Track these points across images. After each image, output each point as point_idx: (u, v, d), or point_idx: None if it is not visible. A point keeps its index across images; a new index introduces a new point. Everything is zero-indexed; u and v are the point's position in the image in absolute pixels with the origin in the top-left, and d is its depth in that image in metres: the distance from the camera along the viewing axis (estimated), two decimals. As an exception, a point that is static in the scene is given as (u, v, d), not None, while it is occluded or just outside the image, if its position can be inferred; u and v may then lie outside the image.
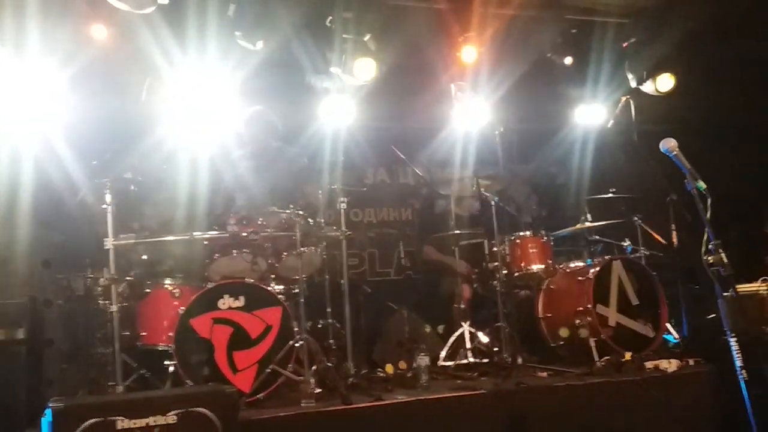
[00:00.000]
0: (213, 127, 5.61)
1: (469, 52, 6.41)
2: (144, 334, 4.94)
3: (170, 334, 4.69)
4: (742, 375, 3.49)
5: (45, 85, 5.13)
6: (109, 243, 4.68)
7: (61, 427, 3.53)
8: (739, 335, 3.57)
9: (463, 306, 5.86)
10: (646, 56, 6.77)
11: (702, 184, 3.66)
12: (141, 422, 3.58)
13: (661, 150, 3.80)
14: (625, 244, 6.26)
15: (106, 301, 4.87)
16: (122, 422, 3.56)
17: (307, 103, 6.38)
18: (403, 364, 5.32)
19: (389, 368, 5.31)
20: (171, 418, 3.61)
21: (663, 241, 6.27)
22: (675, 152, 3.78)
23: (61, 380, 5.33)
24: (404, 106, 6.84)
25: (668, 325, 5.80)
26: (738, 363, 3.48)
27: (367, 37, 5.89)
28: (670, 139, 3.78)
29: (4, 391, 4.65)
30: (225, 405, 3.77)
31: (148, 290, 5.01)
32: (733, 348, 3.49)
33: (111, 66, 5.39)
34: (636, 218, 6.30)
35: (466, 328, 5.68)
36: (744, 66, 6.84)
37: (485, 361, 5.53)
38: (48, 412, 3.61)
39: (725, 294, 3.59)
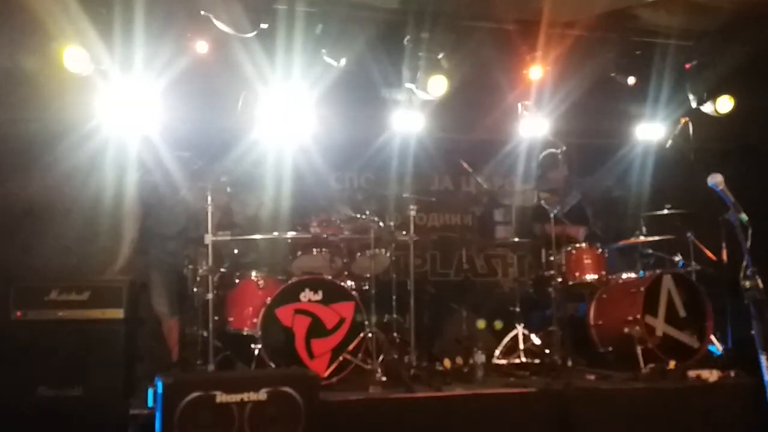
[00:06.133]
0: (296, 134, 6.11)
1: (536, 71, 6.70)
2: (231, 319, 5.46)
3: (255, 320, 5.21)
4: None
5: (148, 95, 5.60)
6: (209, 239, 5.20)
7: (169, 398, 4.00)
8: (771, 353, 3.90)
9: (518, 309, 6.27)
10: (706, 78, 6.91)
11: (744, 217, 3.97)
12: (236, 397, 4.05)
13: (708, 184, 4.09)
14: (677, 258, 6.46)
15: (200, 288, 5.39)
16: (220, 396, 4.04)
17: (379, 114, 6.73)
18: (459, 360, 5.76)
19: (447, 363, 5.74)
20: (262, 395, 4.09)
21: (713, 257, 6.50)
22: (721, 187, 4.06)
23: (150, 357, 5.97)
24: (471, 119, 7.10)
25: (713, 337, 6.00)
26: (767, 378, 3.83)
27: (440, 56, 6.21)
28: (717, 175, 4.06)
29: (105, 365, 5.29)
30: (307, 386, 4.22)
31: (237, 280, 5.53)
32: (763, 365, 3.83)
33: (208, 78, 5.93)
34: (689, 234, 6.47)
35: (519, 330, 6.11)
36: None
37: (536, 361, 5.91)
38: (158, 384, 4.10)
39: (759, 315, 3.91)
